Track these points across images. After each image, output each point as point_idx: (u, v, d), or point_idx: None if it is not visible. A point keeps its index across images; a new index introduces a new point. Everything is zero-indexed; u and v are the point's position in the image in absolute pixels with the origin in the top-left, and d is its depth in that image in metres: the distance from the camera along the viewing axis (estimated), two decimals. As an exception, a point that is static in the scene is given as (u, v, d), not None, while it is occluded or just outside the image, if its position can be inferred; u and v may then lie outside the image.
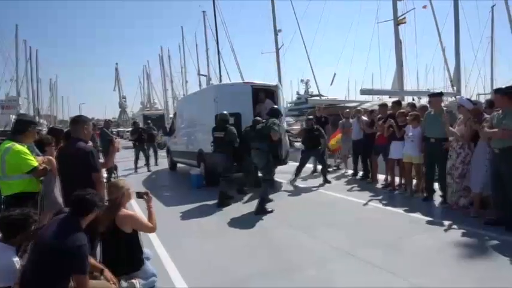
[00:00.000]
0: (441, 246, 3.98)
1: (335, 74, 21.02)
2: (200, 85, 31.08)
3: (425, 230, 4.59)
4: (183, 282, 3.46)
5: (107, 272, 2.97)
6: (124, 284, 3.16)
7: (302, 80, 52.85)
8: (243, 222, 5.39)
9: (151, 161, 12.56)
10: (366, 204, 6.04)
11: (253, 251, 4.21)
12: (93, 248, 3.32)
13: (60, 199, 4.08)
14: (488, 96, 22.25)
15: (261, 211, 5.68)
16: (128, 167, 12.06)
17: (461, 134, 5.14)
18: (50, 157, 3.98)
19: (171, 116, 18.28)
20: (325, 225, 4.99)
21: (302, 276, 3.47)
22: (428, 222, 4.83)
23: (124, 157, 13.20)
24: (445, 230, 4.52)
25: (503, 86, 4.66)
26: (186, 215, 5.97)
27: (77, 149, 3.37)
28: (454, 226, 4.60)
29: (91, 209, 2.65)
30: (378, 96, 21.17)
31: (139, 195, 3.59)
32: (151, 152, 12.77)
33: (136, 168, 11.85)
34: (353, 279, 3.35)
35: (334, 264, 3.71)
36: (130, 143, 13.86)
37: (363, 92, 15.17)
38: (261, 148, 5.91)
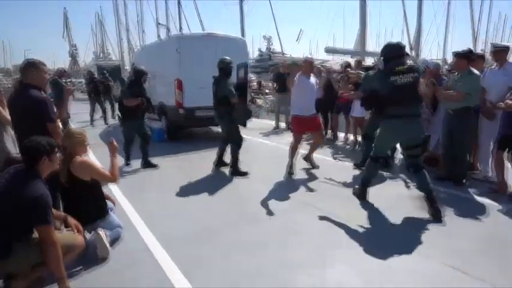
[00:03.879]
0: (396, 198, 4.33)
1: (301, 30, 20.90)
2: (159, 36, 29.32)
3: (382, 183, 4.90)
4: (150, 233, 3.46)
5: (71, 219, 2.88)
6: (89, 234, 3.11)
7: (264, 36, 50.74)
8: (204, 178, 5.41)
9: (108, 113, 12.03)
10: (326, 160, 6.28)
11: (220, 204, 4.30)
12: (55, 199, 3.21)
13: (10, 149, 3.84)
14: (440, 62, 23.20)
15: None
16: (83, 119, 11.47)
17: (425, 94, 5.35)
18: None
19: (127, 67, 17.09)
20: (288, 180, 5.18)
21: (269, 225, 3.64)
22: (385, 177, 5.16)
23: (80, 109, 12.49)
24: (400, 184, 4.90)
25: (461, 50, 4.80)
26: (147, 170, 5.88)
27: (29, 97, 3.08)
28: (408, 180, 4.97)
29: (38, 156, 2.47)
30: (340, 56, 21.33)
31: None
32: (107, 104, 12.21)
33: (92, 120, 11.30)
34: (316, 226, 3.58)
35: (297, 214, 3.90)
36: (86, 96, 13.09)
37: (328, 50, 15.24)
38: (419, 114, 3.94)
